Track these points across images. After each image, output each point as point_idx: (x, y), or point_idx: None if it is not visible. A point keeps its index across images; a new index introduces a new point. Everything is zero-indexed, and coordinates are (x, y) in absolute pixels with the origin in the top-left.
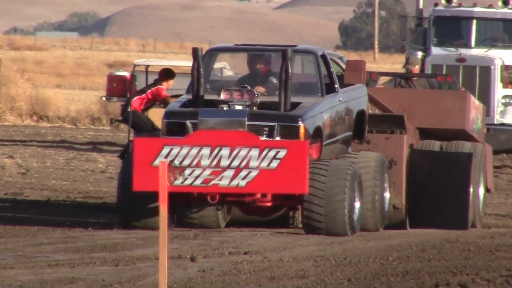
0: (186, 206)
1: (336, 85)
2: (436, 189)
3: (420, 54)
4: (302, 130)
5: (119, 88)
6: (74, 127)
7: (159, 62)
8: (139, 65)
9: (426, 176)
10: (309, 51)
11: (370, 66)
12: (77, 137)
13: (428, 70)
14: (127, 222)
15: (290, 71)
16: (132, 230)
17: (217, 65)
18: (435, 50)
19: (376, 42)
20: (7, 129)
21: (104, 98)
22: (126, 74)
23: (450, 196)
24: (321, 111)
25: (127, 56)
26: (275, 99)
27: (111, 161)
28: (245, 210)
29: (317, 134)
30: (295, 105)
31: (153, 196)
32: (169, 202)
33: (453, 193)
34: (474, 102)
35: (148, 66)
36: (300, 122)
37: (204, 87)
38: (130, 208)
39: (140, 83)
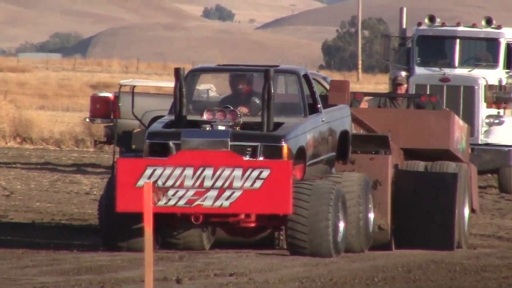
0: (170, 227)
1: (319, 105)
2: (421, 209)
3: (403, 74)
4: (285, 150)
5: (103, 109)
6: (58, 149)
7: (145, 82)
8: (125, 85)
9: (412, 197)
10: (291, 71)
11: (354, 86)
12: (61, 159)
13: (412, 90)
14: (111, 243)
15: (272, 91)
16: (117, 252)
17: (203, 86)
18: (419, 70)
19: (359, 62)
20: None
21: (87, 120)
22: (110, 95)
23: (435, 216)
24: (304, 131)
25: (110, 77)
26: (257, 119)
27: (95, 183)
28: (229, 231)
29: (300, 155)
30: (278, 125)
31: (137, 217)
32: (153, 224)
33: (438, 213)
34: (458, 122)
35: (134, 86)
36: (283, 142)
37: (187, 108)
38: (114, 229)
39: (124, 104)
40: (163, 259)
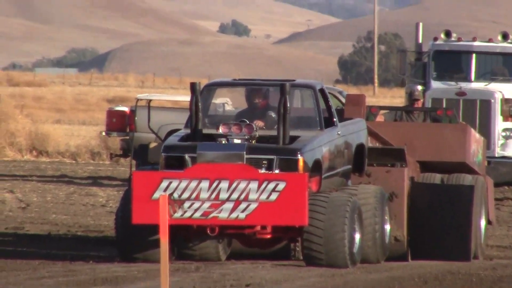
0: (186, 239)
1: (334, 119)
2: (438, 221)
3: (420, 88)
4: (301, 163)
5: (119, 123)
6: (74, 162)
7: (161, 96)
8: (141, 99)
9: (428, 209)
10: (307, 85)
11: (370, 100)
12: (77, 171)
13: (428, 104)
14: (127, 254)
15: (288, 105)
16: (133, 263)
17: (219, 100)
18: (435, 84)
19: (375, 76)
20: (6, 164)
21: (103, 133)
22: (126, 109)
23: (452, 228)
24: (320, 145)
25: (126, 91)
26: (273, 133)
27: (111, 195)
28: (245, 243)
29: (316, 167)
30: (294, 138)
31: (153, 228)
32: (169, 235)
33: (455, 225)
34: (475, 135)
35: (150, 100)
36: (299, 155)
37: (203, 122)
38: (130, 240)
39: (140, 118)
40: (179, 270)
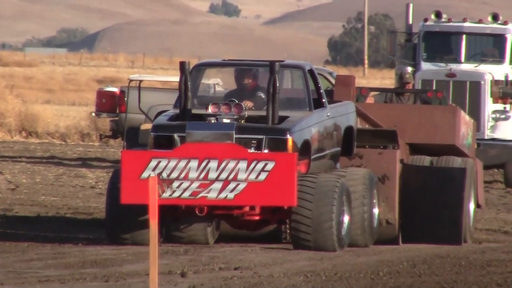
0: (175, 221)
1: (324, 100)
2: (429, 204)
3: (410, 69)
4: (290, 143)
5: (109, 103)
6: (63, 143)
7: (153, 77)
8: (133, 80)
9: (419, 192)
10: (296, 66)
11: (360, 82)
12: (66, 153)
13: (418, 86)
14: (115, 236)
15: (277, 85)
16: (122, 245)
17: (211, 81)
18: (425, 65)
19: (365, 58)
20: None
21: (93, 114)
22: (115, 89)
23: (443, 211)
24: (309, 125)
25: (116, 71)
26: (262, 113)
27: (100, 176)
28: (234, 224)
29: (305, 148)
30: (283, 119)
31: (141, 209)
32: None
33: (446, 208)
34: (464, 117)
35: (140, 81)
36: (288, 135)
37: (192, 102)
38: (118, 221)
39: (131, 99)
40: (168, 253)
